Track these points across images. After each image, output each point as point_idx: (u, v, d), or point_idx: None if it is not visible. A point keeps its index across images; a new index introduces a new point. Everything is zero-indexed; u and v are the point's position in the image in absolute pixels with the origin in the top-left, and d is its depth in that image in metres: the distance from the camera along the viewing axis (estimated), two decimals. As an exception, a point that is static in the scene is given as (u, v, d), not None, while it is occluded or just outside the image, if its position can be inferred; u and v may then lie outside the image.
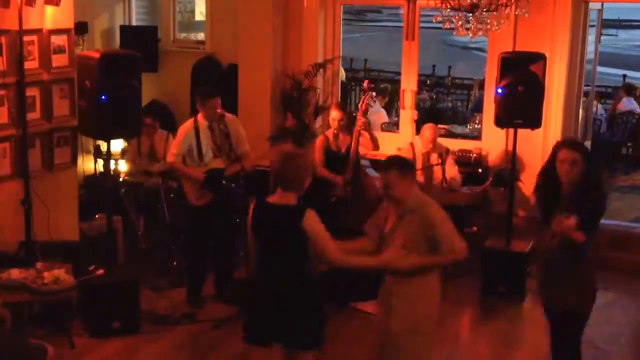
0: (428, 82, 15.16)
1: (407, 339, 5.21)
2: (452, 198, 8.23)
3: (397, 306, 5.25)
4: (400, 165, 5.28)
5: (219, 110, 7.54)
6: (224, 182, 7.55)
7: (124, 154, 9.56)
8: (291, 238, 4.93)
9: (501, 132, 8.92)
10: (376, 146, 8.46)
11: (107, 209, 7.46)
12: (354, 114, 8.74)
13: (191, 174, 7.59)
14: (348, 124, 8.50)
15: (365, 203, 7.67)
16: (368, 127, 8.54)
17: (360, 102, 8.39)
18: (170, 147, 8.05)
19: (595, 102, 12.69)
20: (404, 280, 5.22)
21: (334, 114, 8.49)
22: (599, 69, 10.88)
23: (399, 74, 10.93)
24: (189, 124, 7.70)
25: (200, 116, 7.65)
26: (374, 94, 8.56)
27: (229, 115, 7.78)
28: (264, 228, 5.06)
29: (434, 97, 13.95)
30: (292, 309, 4.98)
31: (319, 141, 8.56)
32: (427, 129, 8.78)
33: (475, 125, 10.59)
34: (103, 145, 8.42)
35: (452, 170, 8.69)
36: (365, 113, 8.35)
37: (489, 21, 7.31)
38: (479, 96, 11.74)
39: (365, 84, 8.58)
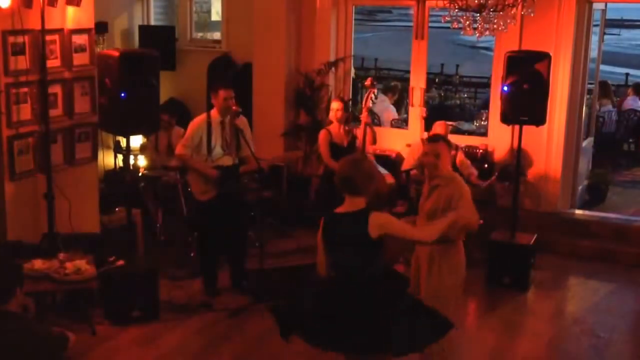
0: (437, 80, 15.31)
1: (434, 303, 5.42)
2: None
3: (428, 274, 5.77)
4: (446, 140, 6.06)
5: (232, 105, 7.50)
6: (237, 177, 7.66)
7: (142, 149, 9.76)
8: (360, 244, 4.86)
9: (507, 129, 9.13)
10: (374, 140, 8.60)
11: (127, 203, 7.62)
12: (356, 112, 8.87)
13: (203, 169, 7.55)
14: (347, 116, 8.71)
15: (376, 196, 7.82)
16: (372, 122, 8.73)
17: (365, 98, 8.53)
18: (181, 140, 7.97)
19: (607, 100, 12.90)
20: (434, 250, 5.75)
21: (335, 105, 8.63)
22: (602, 67, 10.98)
23: (408, 72, 11.08)
24: (201, 117, 7.65)
25: (214, 111, 7.61)
26: (375, 90, 8.65)
27: (240, 117, 7.75)
28: (332, 238, 4.95)
29: (442, 94, 14.10)
30: (361, 315, 4.78)
31: (323, 135, 8.61)
32: (439, 125, 8.94)
33: (482, 122, 10.77)
34: (122, 141, 8.51)
35: (466, 165, 8.76)
36: (369, 108, 8.52)
37: (495, 21, 7.38)
38: (485, 94, 11.91)
39: (368, 81, 8.62)
